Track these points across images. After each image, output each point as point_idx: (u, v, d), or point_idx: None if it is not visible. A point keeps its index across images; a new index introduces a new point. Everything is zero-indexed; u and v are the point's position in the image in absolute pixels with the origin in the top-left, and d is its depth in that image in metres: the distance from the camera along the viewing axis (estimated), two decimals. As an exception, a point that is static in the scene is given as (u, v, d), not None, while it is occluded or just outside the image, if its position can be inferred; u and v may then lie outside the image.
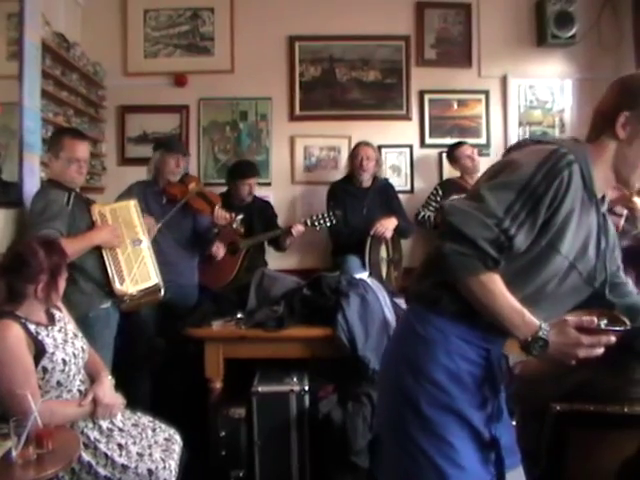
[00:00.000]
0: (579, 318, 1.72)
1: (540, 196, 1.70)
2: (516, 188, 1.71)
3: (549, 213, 1.72)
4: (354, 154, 4.95)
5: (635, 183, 1.87)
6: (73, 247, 3.14)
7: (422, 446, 1.79)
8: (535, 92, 5.73)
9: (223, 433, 3.64)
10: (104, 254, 3.39)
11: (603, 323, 1.74)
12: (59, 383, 2.44)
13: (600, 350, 1.69)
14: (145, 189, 4.18)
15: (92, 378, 2.66)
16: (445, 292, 1.81)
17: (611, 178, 1.84)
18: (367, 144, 4.97)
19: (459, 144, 5.23)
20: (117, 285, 3.40)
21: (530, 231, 1.73)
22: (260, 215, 4.78)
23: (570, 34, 5.43)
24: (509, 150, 1.99)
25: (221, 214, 4.17)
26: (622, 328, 1.73)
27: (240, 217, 4.29)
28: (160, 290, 3.62)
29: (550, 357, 1.72)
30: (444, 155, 5.56)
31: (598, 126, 1.86)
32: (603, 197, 1.87)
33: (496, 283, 1.73)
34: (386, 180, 5.26)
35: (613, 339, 1.68)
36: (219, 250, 4.39)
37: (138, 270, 3.53)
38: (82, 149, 3.47)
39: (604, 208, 1.89)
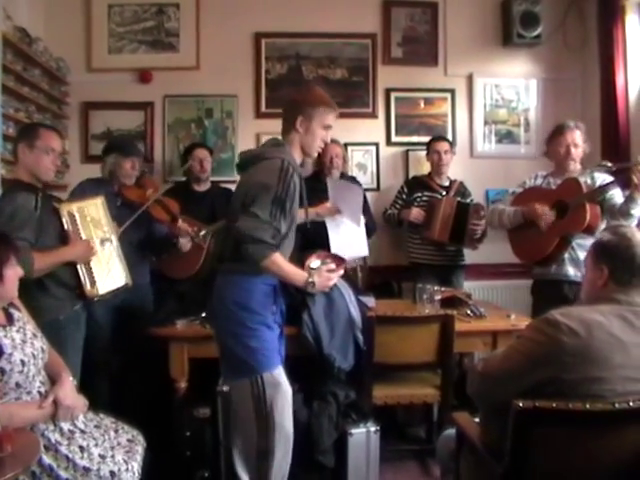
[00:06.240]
0: (329, 266, 3.29)
1: (284, 199, 2.89)
2: (270, 201, 2.86)
3: (290, 203, 2.92)
4: (323, 152, 4.95)
5: (313, 153, 3.16)
6: (45, 262, 3.13)
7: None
8: (500, 91, 5.79)
9: (188, 433, 3.61)
10: None
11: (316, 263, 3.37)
12: (18, 385, 2.39)
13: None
14: (99, 188, 3.94)
15: (53, 379, 2.61)
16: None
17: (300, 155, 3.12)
18: (335, 142, 4.98)
19: (438, 138, 5.24)
20: (88, 288, 3.37)
21: (285, 220, 2.93)
22: (222, 201, 4.56)
23: (535, 34, 5.50)
24: (246, 164, 3.11)
25: (184, 228, 4.12)
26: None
27: (203, 233, 4.24)
28: (127, 288, 3.62)
29: (317, 290, 3.16)
30: (410, 153, 5.62)
31: (285, 127, 3.11)
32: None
33: (279, 258, 2.93)
34: (353, 178, 5.28)
35: (341, 271, 3.31)
36: (186, 244, 4.26)
37: (108, 271, 3.50)
38: (58, 141, 3.39)
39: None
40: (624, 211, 3.77)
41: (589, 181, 4.05)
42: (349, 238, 4.07)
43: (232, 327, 2.99)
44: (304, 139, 3.07)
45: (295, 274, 3.06)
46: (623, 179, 3.86)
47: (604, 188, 3.89)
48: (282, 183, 2.88)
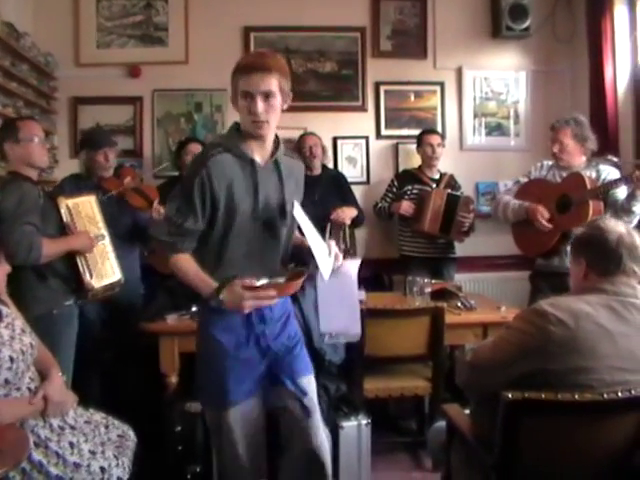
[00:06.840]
0: (243, 280, 2.33)
1: (189, 190, 2.41)
2: (179, 194, 2.47)
3: (205, 197, 2.41)
4: (301, 145, 5.03)
5: (252, 130, 2.48)
6: (53, 248, 3.17)
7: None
8: (490, 84, 5.79)
9: (179, 428, 3.60)
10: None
11: (262, 281, 2.40)
12: (7, 381, 2.38)
13: (269, 301, 2.37)
14: (78, 183, 3.99)
15: (42, 375, 2.60)
16: None
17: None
18: (311, 133, 5.12)
19: (430, 131, 5.26)
20: (87, 278, 3.38)
21: (194, 216, 2.43)
22: None
23: (524, 26, 5.51)
24: None
25: (159, 210, 4.10)
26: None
27: None
28: (120, 285, 3.63)
29: (227, 308, 2.37)
30: (400, 146, 5.61)
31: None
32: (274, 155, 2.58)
33: (182, 260, 2.47)
34: (337, 170, 5.31)
35: (272, 293, 2.33)
36: None
37: (103, 266, 3.52)
38: (38, 128, 3.38)
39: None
40: (626, 208, 3.77)
41: (594, 174, 4.03)
42: (341, 310, 2.96)
43: (196, 344, 2.68)
44: (240, 119, 2.54)
45: (201, 284, 2.43)
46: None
47: (609, 186, 3.88)
48: (191, 173, 2.45)
